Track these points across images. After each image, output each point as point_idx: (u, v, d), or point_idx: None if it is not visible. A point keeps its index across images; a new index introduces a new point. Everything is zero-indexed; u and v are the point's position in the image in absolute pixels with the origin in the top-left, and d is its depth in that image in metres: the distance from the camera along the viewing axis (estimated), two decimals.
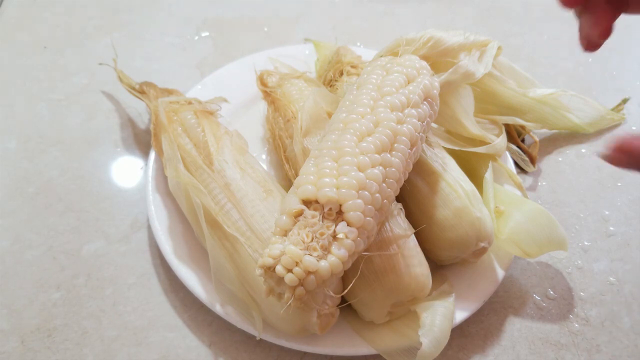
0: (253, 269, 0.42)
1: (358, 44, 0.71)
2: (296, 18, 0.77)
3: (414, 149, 0.41)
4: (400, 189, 0.41)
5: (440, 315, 0.42)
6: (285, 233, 0.36)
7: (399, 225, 0.43)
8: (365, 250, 0.39)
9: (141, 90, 0.58)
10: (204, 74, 0.67)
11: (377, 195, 0.37)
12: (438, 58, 0.47)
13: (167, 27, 0.74)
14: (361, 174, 0.37)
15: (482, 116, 0.56)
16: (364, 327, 0.44)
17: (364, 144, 0.38)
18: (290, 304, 0.34)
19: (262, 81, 0.57)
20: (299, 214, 0.36)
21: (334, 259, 0.35)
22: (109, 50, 0.64)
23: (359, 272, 0.40)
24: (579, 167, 0.61)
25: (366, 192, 0.36)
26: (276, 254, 0.35)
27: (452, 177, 0.47)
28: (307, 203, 0.36)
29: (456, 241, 0.45)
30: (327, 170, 0.37)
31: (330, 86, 0.56)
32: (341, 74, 0.57)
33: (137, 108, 0.63)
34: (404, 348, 0.42)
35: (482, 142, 0.52)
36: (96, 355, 0.45)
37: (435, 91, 0.44)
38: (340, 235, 0.35)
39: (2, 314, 0.47)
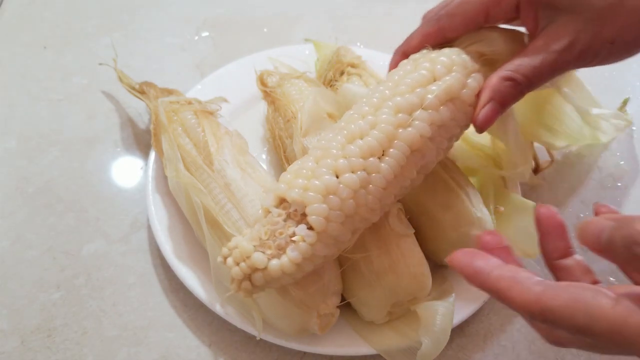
0: None
1: (358, 44, 0.71)
2: (296, 18, 0.77)
3: (418, 156, 0.39)
4: None
5: (440, 315, 0.42)
6: None
7: (399, 225, 0.43)
8: (364, 251, 0.39)
9: (141, 90, 0.57)
10: (204, 74, 0.67)
11: (350, 201, 0.36)
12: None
13: (167, 27, 0.73)
14: (334, 178, 0.36)
15: (534, 138, 0.52)
16: (364, 327, 0.44)
17: (352, 147, 0.37)
18: (234, 292, 0.36)
19: (262, 81, 0.57)
20: (269, 210, 0.37)
21: (286, 260, 0.35)
22: (109, 50, 0.64)
23: (358, 273, 0.40)
24: (579, 167, 0.61)
25: (335, 197, 0.36)
26: (232, 246, 0.35)
27: (452, 177, 0.47)
28: (281, 201, 0.37)
29: (456, 241, 0.45)
30: (304, 171, 0.37)
31: (330, 86, 0.56)
32: (341, 74, 0.57)
33: (137, 108, 0.63)
34: (404, 348, 0.42)
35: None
36: (96, 355, 0.45)
37: (466, 91, 0.39)
38: (295, 238, 0.35)
39: (2, 314, 0.47)
